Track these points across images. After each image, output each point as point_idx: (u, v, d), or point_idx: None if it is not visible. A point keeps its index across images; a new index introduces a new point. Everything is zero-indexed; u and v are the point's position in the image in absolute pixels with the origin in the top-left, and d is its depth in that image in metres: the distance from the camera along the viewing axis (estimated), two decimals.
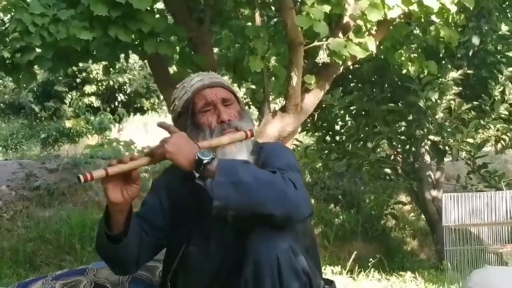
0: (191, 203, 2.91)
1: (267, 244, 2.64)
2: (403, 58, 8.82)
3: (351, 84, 11.12)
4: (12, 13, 6.88)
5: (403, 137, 10.90)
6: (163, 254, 3.07)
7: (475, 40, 10.18)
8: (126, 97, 22.45)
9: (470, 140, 9.81)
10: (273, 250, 2.62)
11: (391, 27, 8.25)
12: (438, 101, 9.87)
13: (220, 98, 2.98)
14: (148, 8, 6.91)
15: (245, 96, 8.79)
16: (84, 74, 21.40)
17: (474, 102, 10.09)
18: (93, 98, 21.77)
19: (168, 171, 3.13)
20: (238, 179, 2.62)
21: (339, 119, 11.11)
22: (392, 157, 11.54)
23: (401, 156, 11.59)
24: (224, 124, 2.94)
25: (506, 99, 9.90)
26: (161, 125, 2.87)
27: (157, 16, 7.49)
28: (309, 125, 11.06)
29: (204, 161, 2.66)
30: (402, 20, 8.23)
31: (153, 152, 2.77)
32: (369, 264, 9.02)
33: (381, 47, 8.77)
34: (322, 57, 7.88)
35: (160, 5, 8.46)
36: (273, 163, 2.86)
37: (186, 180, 2.87)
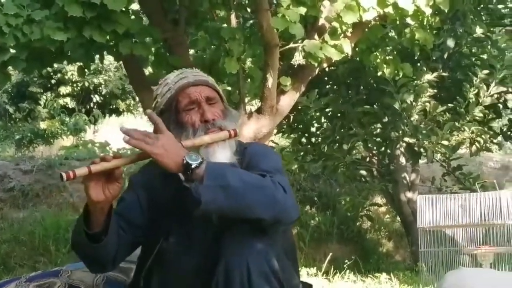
0: (171, 201, 2.88)
1: (239, 247, 2.63)
2: (378, 60, 8.84)
3: (327, 86, 11.14)
4: None
5: (378, 139, 10.94)
6: (137, 255, 3.06)
7: (450, 43, 10.23)
8: (102, 98, 22.37)
9: (445, 142, 9.86)
10: (245, 255, 2.61)
11: (366, 29, 8.27)
12: (413, 103, 9.92)
13: (204, 97, 2.95)
14: (123, 9, 6.88)
15: None
16: (59, 75, 21.30)
17: (449, 105, 10.14)
18: (68, 99, 21.66)
19: (145, 169, 3.11)
20: (226, 183, 2.60)
21: (314, 121, 11.12)
22: (368, 159, 11.58)
23: (376, 158, 11.62)
24: (208, 123, 2.91)
25: (480, 101, 9.96)
26: (151, 116, 2.80)
27: (132, 17, 7.47)
28: (284, 127, 11.07)
29: (193, 166, 2.62)
30: (378, 23, 8.25)
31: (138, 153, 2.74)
32: (345, 265, 9.03)
33: (357, 49, 8.78)
34: (298, 59, 7.89)
35: (135, 6, 8.43)
36: (259, 165, 2.86)
37: (166, 178, 2.86)
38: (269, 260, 2.66)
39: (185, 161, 2.63)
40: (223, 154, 2.88)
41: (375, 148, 11.24)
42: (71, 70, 20.33)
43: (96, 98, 22.26)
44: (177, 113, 2.95)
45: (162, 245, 2.87)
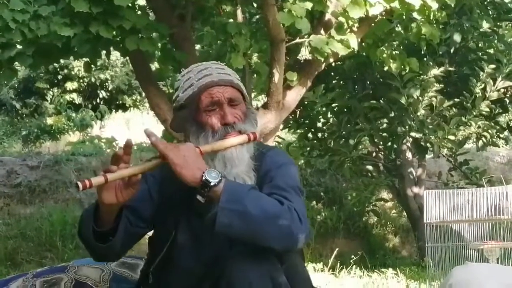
0: (183, 198, 2.80)
1: (243, 266, 2.59)
2: (384, 55, 8.84)
3: (333, 81, 11.15)
4: None
5: (384, 134, 10.93)
6: (144, 251, 3.05)
7: (457, 37, 10.20)
8: (108, 94, 22.35)
9: (452, 137, 9.85)
10: (247, 274, 2.57)
11: (372, 24, 8.27)
12: (420, 98, 9.90)
13: (227, 98, 2.84)
14: (130, 4, 6.90)
15: None
16: (65, 70, 21.28)
17: (456, 99, 10.13)
18: (74, 95, 21.64)
19: None
20: (244, 209, 2.54)
21: (321, 116, 11.11)
22: (374, 154, 11.57)
23: (382, 153, 11.62)
24: (228, 126, 2.83)
25: (487, 96, 9.95)
26: (150, 135, 2.71)
27: (139, 12, 7.47)
28: (291, 122, 11.06)
29: (212, 184, 2.58)
30: (384, 17, 8.25)
31: (155, 158, 2.70)
32: (351, 261, 9.02)
33: (363, 44, 8.77)
34: (304, 54, 7.86)
35: (141, 2, 8.43)
36: (276, 180, 2.77)
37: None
38: (274, 278, 2.61)
39: (204, 178, 2.59)
40: (241, 159, 2.82)
41: (381, 143, 11.23)
42: (77, 65, 20.30)
43: (102, 93, 22.23)
44: (198, 112, 2.86)
45: (171, 243, 2.84)
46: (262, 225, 2.55)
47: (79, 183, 2.52)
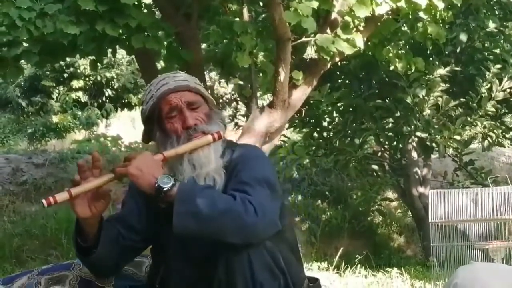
0: (165, 210, 2.81)
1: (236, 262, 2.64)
2: (390, 55, 8.83)
3: (339, 80, 11.14)
4: None
5: (390, 134, 10.92)
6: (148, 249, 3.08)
7: (463, 37, 10.20)
8: (114, 92, 22.37)
9: (457, 137, 9.85)
10: (244, 249, 2.62)
11: (379, 24, 8.25)
12: (426, 97, 9.89)
13: (185, 102, 2.92)
14: (136, 2, 6.91)
15: (232, 92, 8.79)
16: (71, 69, 21.31)
17: (461, 99, 10.12)
18: (80, 93, 21.68)
19: None
20: (196, 209, 2.59)
21: (326, 115, 11.09)
22: (379, 153, 11.57)
23: (388, 152, 11.61)
24: (190, 129, 2.90)
25: (493, 96, 9.94)
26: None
27: (145, 11, 7.48)
28: (296, 121, 11.05)
29: (164, 189, 2.65)
30: (390, 17, 8.23)
31: (116, 170, 2.76)
32: (356, 260, 9.02)
33: (369, 43, 8.75)
34: (310, 53, 7.86)
35: (147, 0, 8.44)
36: (240, 174, 2.81)
37: None
38: (271, 252, 2.67)
39: (156, 184, 2.66)
40: (208, 159, 2.88)
41: (387, 142, 11.22)
42: (83, 64, 20.34)
43: (108, 92, 22.25)
44: (161, 121, 2.94)
45: (166, 255, 2.92)
46: (215, 222, 2.59)
47: (43, 201, 2.63)
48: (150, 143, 3.07)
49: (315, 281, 3.01)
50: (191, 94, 2.96)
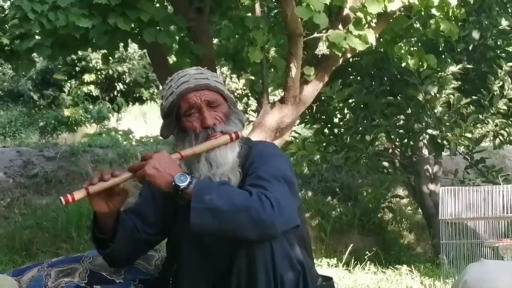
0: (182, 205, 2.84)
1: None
2: (402, 51, 8.80)
3: (350, 77, 11.11)
4: (12, 0, 6.87)
5: (401, 131, 10.89)
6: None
7: (475, 35, 10.17)
8: (125, 86, 22.43)
9: (469, 135, 9.81)
10: (267, 241, 2.63)
11: (391, 20, 8.24)
12: (437, 95, 9.87)
13: (204, 101, 2.92)
14: None
15: (244, 87, 8.79)
16: (83, 62, 21.38)
17: (473, 97, 10.09)
18: (92, 87, 21.75)
19: None
20: (213, 205, 2.60)
21: (337, 112, 11.08)
22: (390, 150, 11.54)
23: (399, 149, 11.59)
24: (209, 129, 2.90)
25: (505, 94, 9.91)
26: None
27: (157, 5, 7.48)
28: (307, 117, 11.03)
29: (181, 187, 2.66)
30: (402, 13, 8.22)
31: (134, 169, 2.78)
32: (365, 257, 9.00)
33: (381, 40, 8.74)
34: (322, 49, 7.86)
35: None
36: (258, 171, 2.81)
37: None
38: (292, 244, 2.68)
39: (173, 183, 2.67)
40: (225, 159, 2.88)
41: (398, 139, 11.20)
42: (95, 58, 20.39)
43: (120, 86, 22.32)
44: (179, 119, 2.95)
45: (181, 248, 2.93)
46: (232, 218, 2.60)
47: (61, 198, 2.66)
48: (168, 138, 3.07)
49: (329, 280, 3.02)
50: (211, 93, 2.95)
